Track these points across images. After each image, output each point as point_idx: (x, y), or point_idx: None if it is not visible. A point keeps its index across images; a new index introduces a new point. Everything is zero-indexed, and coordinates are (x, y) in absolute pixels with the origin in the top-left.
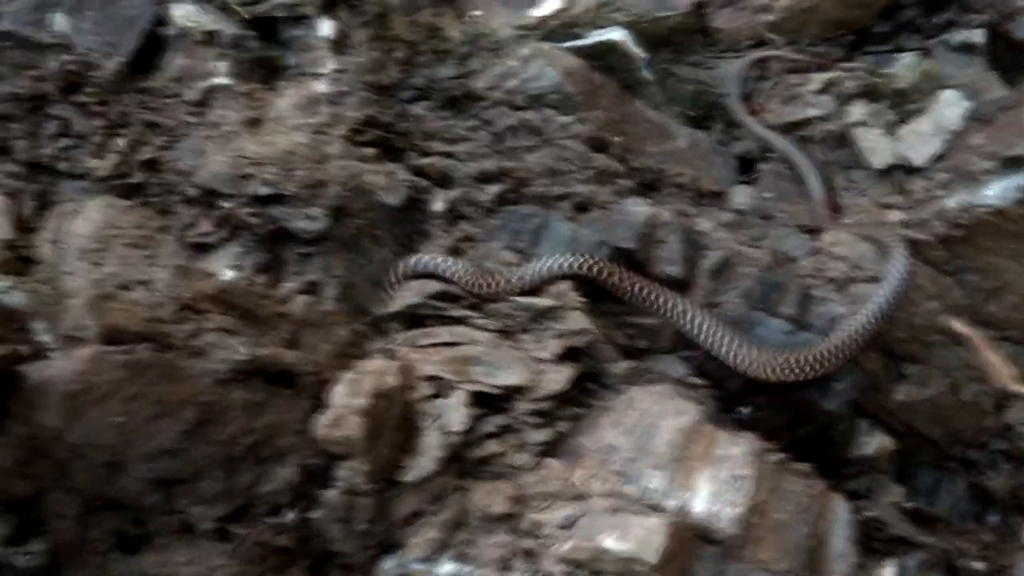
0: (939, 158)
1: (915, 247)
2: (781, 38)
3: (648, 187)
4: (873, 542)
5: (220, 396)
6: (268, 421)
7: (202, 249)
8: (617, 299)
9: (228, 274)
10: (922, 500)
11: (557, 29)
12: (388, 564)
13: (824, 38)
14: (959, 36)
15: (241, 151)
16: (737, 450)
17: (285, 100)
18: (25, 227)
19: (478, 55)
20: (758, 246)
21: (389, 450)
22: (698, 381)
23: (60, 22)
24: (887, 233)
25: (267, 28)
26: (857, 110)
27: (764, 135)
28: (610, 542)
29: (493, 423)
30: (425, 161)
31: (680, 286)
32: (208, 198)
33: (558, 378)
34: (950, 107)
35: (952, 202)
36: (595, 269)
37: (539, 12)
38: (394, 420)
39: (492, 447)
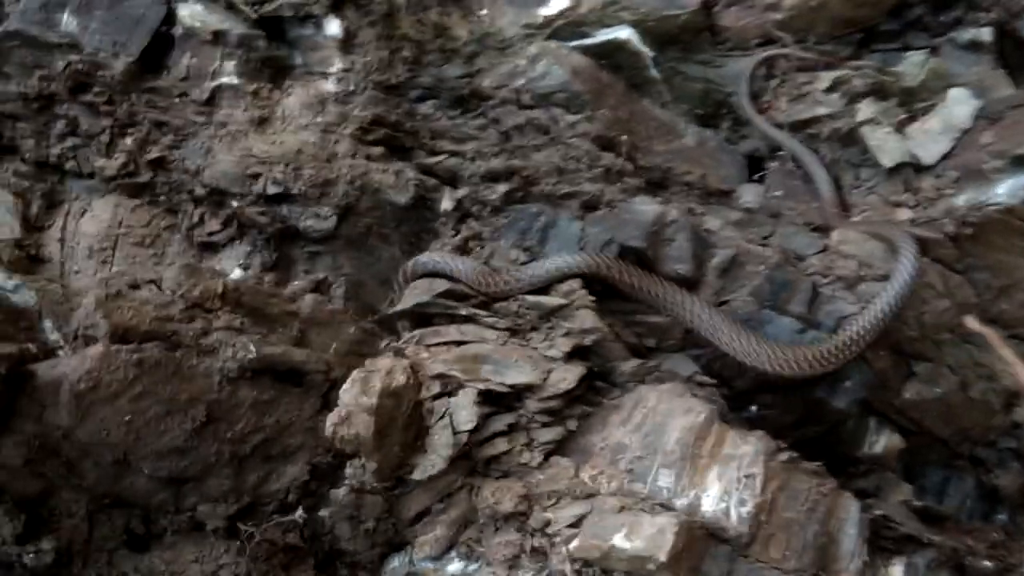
0: (948, 156)
1: (924, 245)
2: (789, 36)
3: (656, 185)
4: (882, 540)
5: (229, 394)
6: (277, 419)
7: (210, 248)
8: (625, 297)
9: (236, 273)
10: (930, 498)
11: (564, 28)
12: (396, 562)
13: (832, 36)
14: (967, 34)
15: (249, 150)
16: (747, 448)
17: (293, 99)
18: (33, 226)
19: (485, 54)
20: (767, 244)
21: (398, 448)
22: (707, 380)
23: (68, 22)
24: (896, 231)
25: (274, 27)
26: (866, 108)
27: (772, 133)
28: (620, 540)
29: (502, 421)
30: (433, 160)
31: (689, 284)
32: (216, 197)
33: (567, 376)
34: (959, 105)
35: (961, 200)
36: (603, 267)
37: (546, 11)
38: (403, 418)
39: (501, 445)
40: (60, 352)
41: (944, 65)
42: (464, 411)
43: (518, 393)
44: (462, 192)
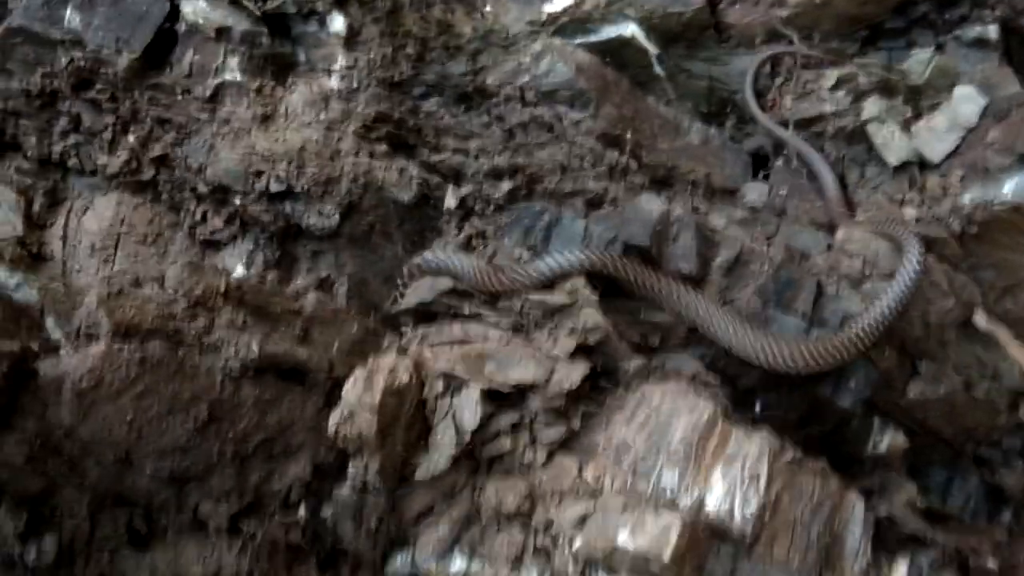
0: (954, 154)
1: (929, 244)
2: (795, 33)
3: (660, 183)
4: (886, 540)
5: (231, 393)
6: (279, 418)
7: (213, 246)
8: (629, 294)
9: (239, 270)
10: (934, 498)
11: (569, 25)
12: (399, 561)
13: (837, 33)
14: (973, 32)
15: (252, 147)
16: (752, 447)
17: (296, 96)
18: (36, 224)
19: (489, 51)
20: (771, 243)
21: (401, 447)
22: (711, 378)
23: (71, 18)
24: (901, 229)
25: (278, 24)
26: (871, 106)
27: (777, 131)
28: (624, 539)
29: (506, 420)
30: (437, 157)
31: (693, 283)
32: (219, 194)
33: (571, 375)
34: (965, 103)
35: (967, 198)
36: (608, 263)
37: (550, 8)
38: (406, 417)
39: (504, 444)
40: (62, 350)
41: (950, 63)
42: (467, 410)
43: (522, 392)
44: (466, 190)
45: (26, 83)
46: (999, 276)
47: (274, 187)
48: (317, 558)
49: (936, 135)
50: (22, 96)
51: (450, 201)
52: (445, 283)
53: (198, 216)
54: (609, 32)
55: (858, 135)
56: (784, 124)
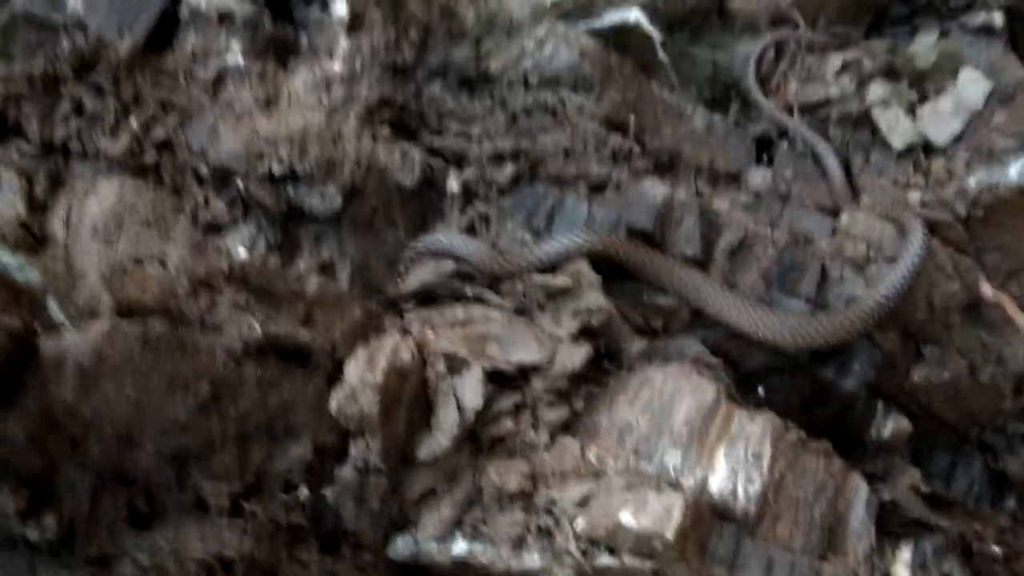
0: (959, 137)
1: (934, 227)
2: (800, 19)
3: (664, 168)
4: (889, 525)
5: (233, 372)
6: (282, 398)
7: (216, 229)
8: (633, 277)
9: (241, 253)
10: (938, 483)
11: (573, 10)
12: (400, 542)
13: (842, 19)
14: (978, 19)
15: (254, 131)
16: (755, 428)
17: (299, 80)
18: (38, 207)
19: (493, 36)
20: (775, 227)
21: (403, 427)
22: (714, 361)
23: (74, 3)
24: (906, 213)
25: (281, 8)
26: (876, 90)
27: (779, 116)
28: (627, 518)
29: (508, 401)
30: (439, 141)
31: (697, 266)
32: (221, 178)
33: (574, 356)
34: (971, 86)
35: (972, 181)
36: (611, 245)
37: None
38: (408, 397)
39: (507, 425)
40: (65, 329)
41: (956, 46)
42: (470, 390)
43: (524, 373)
44: (469, 174)
45: (28, 67)
46: (1004, 259)
47: (276, 170)
48: (318, 539)
49: (941, 119)
50: (25, 80)
51: (453, 185)
52: (447, 266)
53: (200, 200)
54: (613, 17)
55: (863, 119)
56: (788, 109)
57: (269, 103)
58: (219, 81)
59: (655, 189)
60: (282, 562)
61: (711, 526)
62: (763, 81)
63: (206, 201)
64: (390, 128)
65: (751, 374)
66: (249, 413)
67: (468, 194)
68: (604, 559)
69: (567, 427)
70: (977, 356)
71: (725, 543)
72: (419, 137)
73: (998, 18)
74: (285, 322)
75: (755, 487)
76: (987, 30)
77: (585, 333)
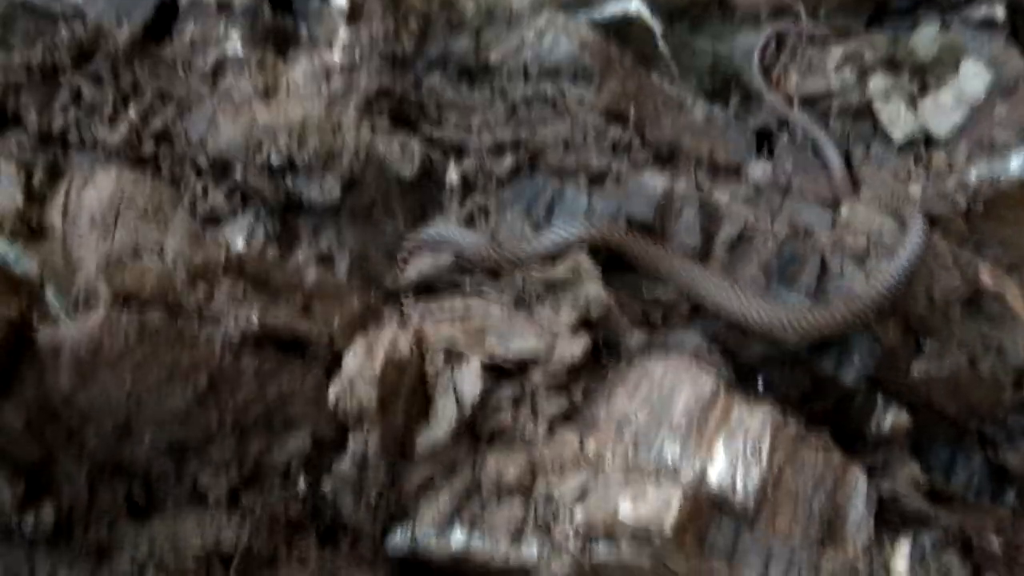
0: (960, 130)
1: (934, 220)
2: (801, 10)
3: (664, 160)
4: (888, 518)
5: (231, 363)
6: (280, 389)
7: (214, 220)
8: (633, 267)
9: (240, 245)
10: (938, 477)
11: (573, 1)
12: (399, 534)
13: (843, 11)
14: (979, 12)
15: (253, 121)
16: (755, 419)
17: (298, 70)
18: (35, 197)
19: (493, 27)
20: (776, 219)
21: (402, 419)
22: (714, 353)
23: None
24: (906, 205)
25: None
26: (877, 82)
27: (782, 108)
28: (625, 511)
29: (507, 392)
30: (439, 132)
31: (697, 259)
32: (220, 168)
33: (573, 348)
34: (972, 79)
35: (973, 175)
36: (611, 234)
37: None
38: (407, 389)
39: (506, 417)
40: (62, 320)
41: (958, 38)
42: (468, 381)
43: (523, 365)
44: (468, 165)
45: (27, 57)
46: (1005, 253)
47: (275, 160)
48: (317, 532)
49: (942, 111)
50: (23, 70)
51: (452, 176)
52: (446, 258)
53: (198, 190)
54: (613, 8)
55: (863, 111)
56: (789, 101)
57: (268, 93)
58: (218, 71)
59: (655, 181)
60: (280, 554)
61: (710, 518)
62: (764, 72)
63: (204, 192)
64: (389, 119)
65: (750, 367)
66: (247, 405)
67: (467, 185)
68: (602, 550)
69: (566, 419)
70: (977, 349)
71: (724, 535)
72: (418, 128)
73: (999, 11)
74: (283, 313)
75: (754, 479)
76: (988, 23)
77: (584, 325)
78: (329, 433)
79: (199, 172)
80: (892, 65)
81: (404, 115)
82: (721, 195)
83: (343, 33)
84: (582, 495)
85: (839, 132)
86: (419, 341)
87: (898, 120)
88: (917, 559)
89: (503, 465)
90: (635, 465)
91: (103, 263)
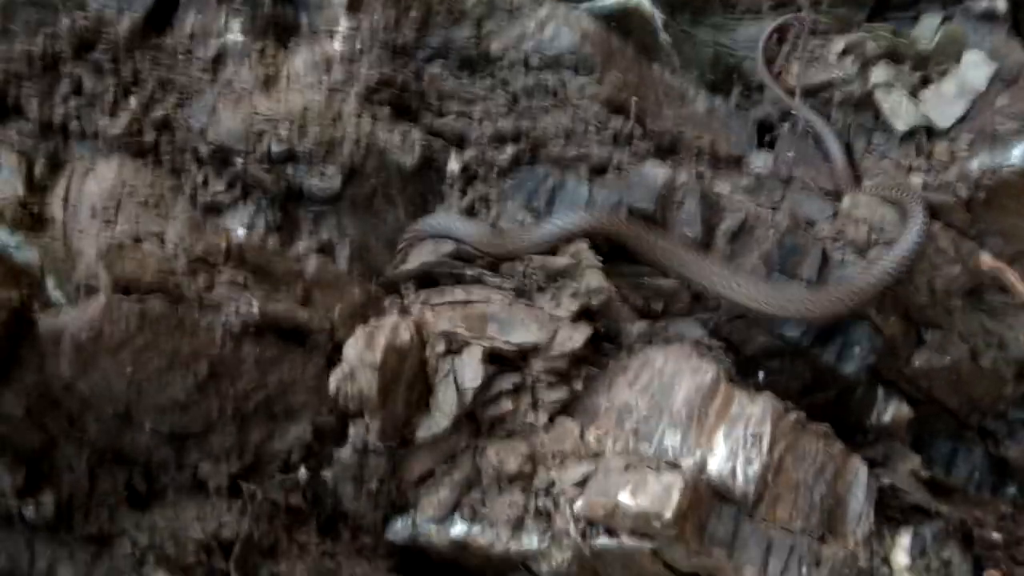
0: (962, 120)
1: (936, 210)
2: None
3: (665, 151)
4: (889, 510)
5: (231, 351)
6: (280, 378)
7: (214, 209)
8: (633, 257)
9: (241, 234)
10: (939, 469)
11: None
12: (399, 524)
13: (845, 2)
14: (981, 4)
15: (254, 110)
16: (755, 408)
17: (299, 59)
18: (37, 187)
19: (494, 17)
20: (777, 209)
21: (402, 407)
22: (715, 343)
23: None
24: (907, 195)
25: None
26: (879, 73)
27: (785, 99)
28: (625, 498)
29: (508, 381)
30: (440, 121)
31: (699, 249)
32: (221, 157)
33: (574, 337)
34: (974, 68)
35: (975, 164)
36: (612, 223)
37: None
38: (408, 376)
39: (506, 405)
40: (63, 307)
41: (959, 29)
42: (469, 369)
43: (524, 353)
44: (469, 154)
45: (28, 46)
46: (1007, 243)
47: (276, 149)
48: (317, 520)
49: (944, 101)
50: (24, 59)
51: (453, 165)
52: (447, 247)
53: (200, 179)
54: None
55: (866, 102)
56: (791, 92)
57: (269, 83)
58: (219, 60)
59: (656, 172)
60: (281, 543)
61: (710, 507)
62: (767, 63)
63: (205, 181)
64: (390, 108)
65: (751, 358)
66: (248, 393)
67: (469, 175)
68: (603, 540)
69: (566, 408)
70: (979, 341)
71: (724, 524)
72: (419, 118)
73: (1001, 3)
74: (284, 302)
75: (754, 468)
76: (990, 15)
77: (585, 314)
78: (330, 422)
79: (200, 162)
80: (894, 56)
81: (405, 105)
82: (722, 186)
83: (344, 23)
84: (582, 484)
85: (841, 123)
86: (420, 329)
87: (900, 111)
88: (918, 551)
89: (503, 454)
90: (636, 454)
91: (103, 250)
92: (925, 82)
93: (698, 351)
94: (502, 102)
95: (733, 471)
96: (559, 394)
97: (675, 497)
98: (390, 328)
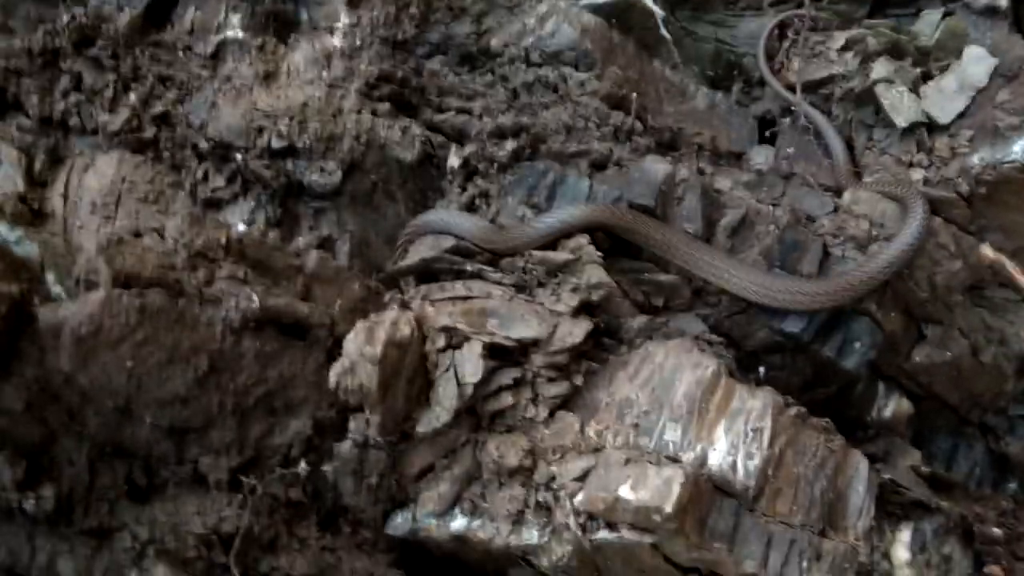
0: (963, 115)
1: (936, 205)
2: None
3: (666, 146)
4: (889, 506)
5: (231, 345)
6: (280, 372)
7: (215, 204)
8: (634, 250)
9: (241, 227)
10: (939, 465)
11: None
12: (399, 518)
13: None
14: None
15: (254, 105)
16: (755, 403)
17: (298, 54)
18: (37, 182)
19: (494, 12)
20: (777, 205)
21: (402, 401)
22: (715, 338)
23: None
24: (908, 190)
25: None
26: (880, 68)
27: (785, 94)
28: (625, 492)
29: (508, 376)
30: (440, 117)
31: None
32: (221, 152)
33: (574, 331)
34: (975, 64)
35: (976, 159)
36: (612, 215)
37: None
38: (408, 371)
39: (506, 400)
40: (63, 300)
41: (961, 24)
42: (469, 364)
43: (524, 348)
44: (469, 149)
45: (28, 41)
46: (1008, 238)
47: (276, 144)
48: (317, 515)
49: (945, 96)
50: (24, 55)
51: (453, 161)
52: (447, 242)
53: (199, 175)
54: None
55: (866, 97)
56: (791, 88)
57: (268, 78)
58: (218, 56)
59: (657, 167)
60: (281, 537)
61: (711, 501)
62: (768, 58)
63: (205, 176)
64: (390, 103)
65: (752, 353)
66: (248, 386)
67: (469, 171)
68: (603, 534)
69: (567, 402)
70: (979, 337)
71: (725, 518)
72: (419, 113)
73: None
74: (284, 296)
75: (755, 462)
76: (991, 11)
77: (585, 309)
78: (330, 416)
79: (200, 156)
80: (895, 51)
81: (405, 100)
82: (723, 182)
83: (344, 18)
84: (583, 478)
85: (841, 119)
86: (420, 324)
87: (901, 106)
88: (918, 547)
89: (504, 449)
90: (636, 448)
91: (103, 244)
92: (926, 78)
93: (699, 346)
94: (502, 98)
95: (734, 465)
96: (559, 389)
97: (675, 491)
98: (390, 323)
